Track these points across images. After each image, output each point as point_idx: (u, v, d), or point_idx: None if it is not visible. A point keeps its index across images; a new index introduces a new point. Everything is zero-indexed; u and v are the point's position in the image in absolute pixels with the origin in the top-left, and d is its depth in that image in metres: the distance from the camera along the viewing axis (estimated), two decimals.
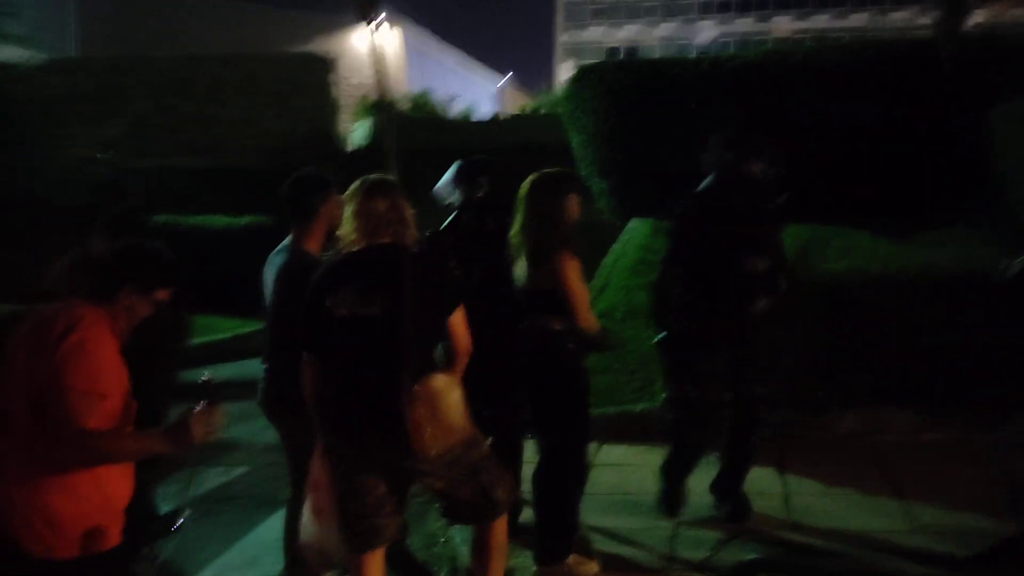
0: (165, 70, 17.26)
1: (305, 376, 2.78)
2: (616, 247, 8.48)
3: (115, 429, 2.27)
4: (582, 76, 9.82)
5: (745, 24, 57.05)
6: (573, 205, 3.43)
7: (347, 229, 2.76)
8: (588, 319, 3.38)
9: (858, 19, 52.04)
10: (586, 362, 3.50)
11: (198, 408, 2.30)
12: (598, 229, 9.33)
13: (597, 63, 10.19)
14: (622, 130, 9.11)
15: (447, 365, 2.79)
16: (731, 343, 3.79)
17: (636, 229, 8.84)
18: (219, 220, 12.49)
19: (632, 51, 53.77)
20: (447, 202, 3.87)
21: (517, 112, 24.29)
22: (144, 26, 24.98)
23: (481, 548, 2.90)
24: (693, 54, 11.53)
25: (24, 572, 2.24)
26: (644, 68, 9.54)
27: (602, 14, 59.09)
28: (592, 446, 4.86)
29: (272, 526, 4.06)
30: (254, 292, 3.42)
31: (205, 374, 2.40)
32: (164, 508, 3.68)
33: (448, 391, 2.64)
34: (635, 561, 3.59)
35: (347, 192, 2.85)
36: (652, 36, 57.86)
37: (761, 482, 4.08)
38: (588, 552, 3.57)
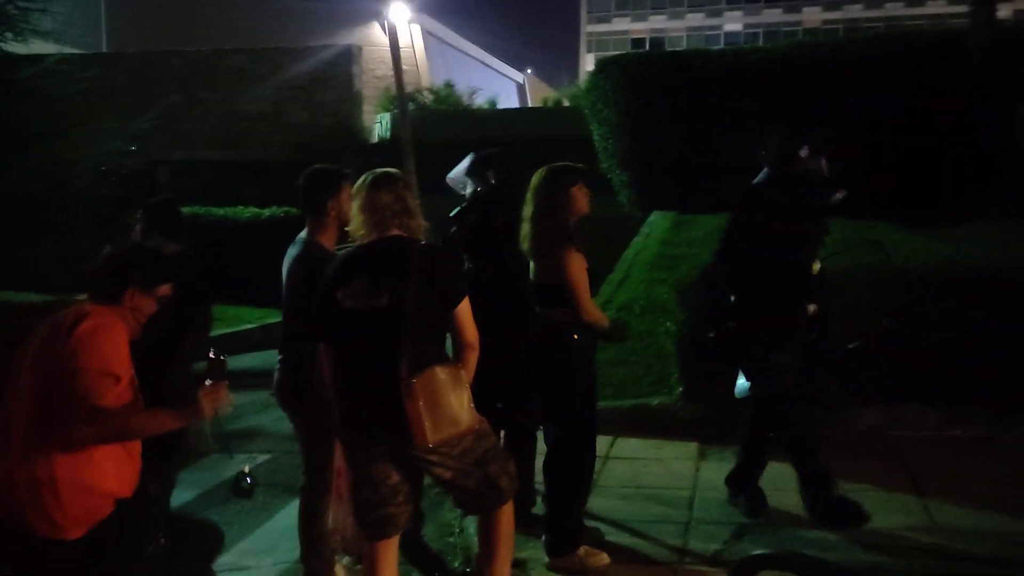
0: (193, 64, 17.47)
1: (323, 367, 2.86)
2: (637, 240, 8.45)
3: (129, 405, 2.38)
4: (603, 68, 9.80)
5: (774, 15, 56.23)
6: (579, 199, 3.45)
7: (355, 223, 2.83)
8: (591, 312, 3.40)
9: (893, 7, 50.99)
10: (603, 355, 3.50)
11: (207, 384, 2.46)
12: (618, 222, 9.31)
13: (619, 55, 10.17)
14: (643, 122, 9.09)
15: (456, 358, 2.82)
16: (783, 342, 3.70)
17: (657, 223, 8.80)
18: (245, 211, 12.65)
19: (658, 43, 53.30)
20: (463, 192, 3.90)
21: (539, 105, 24.23)
22: (171, 20, 25.28)
23: (487, 536, 2.93)
24: (720, 45, 11.46)
25: (30, 553, 2.32)
26: (666, 60, 9.49)
27: (627, 5, 58.60)
28: (607, 439, 4.89)
29: (290, 514, 4.12)
30: (280, 282, 3.48)
31: (213, 352, 2.53)
32: (185, 496, 3.75)
33: (449, 384, 2.65)
34: (647, 554, 3.59)
35: (354, 187, 2.91)
36: (678, 27, 57.27)
37: (778, 476, 4.06)
38: (600, 544, 3.59)
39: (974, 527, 3.70)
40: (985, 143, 6.88)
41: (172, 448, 3.71)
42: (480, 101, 21.84)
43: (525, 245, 3.47)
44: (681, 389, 5.15)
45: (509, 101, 31.78)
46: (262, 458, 5.47)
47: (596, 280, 3.66)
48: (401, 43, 15.48)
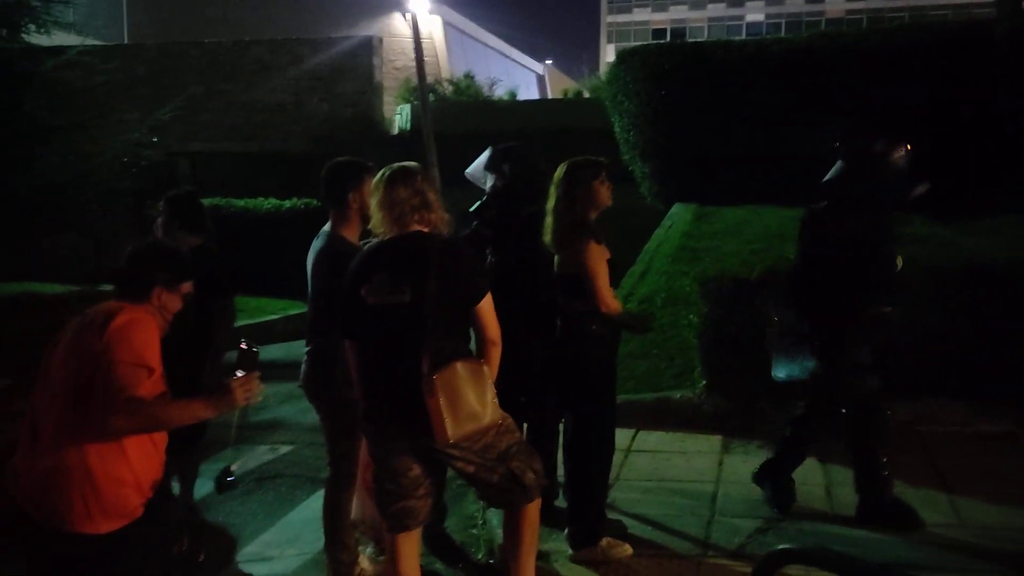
0: (213, 55, 17.55)
1: (350, 361, 2.88)
2: (659, 232, 8.41)
3: (162, 395, 2.43)
4: (624, 59, 9.73)
5: (796, 4, 55.58)
6: (601, 192, 3.47)
7: (375, 220, 2.82)
8: (609, 303, 3.41)
9: None
10: (625, 348, 3.50)
11: (238, 374, 2.50)
12: (639, 213, 9.26)
13: (639, 46, 10.10)
14: (664, 114, 9.02)
15: (478, 354, 2.81)
16: (868, 341, 3.65)
17: (678, 214, 8.75)
18: (265, 203, 12.70)
19: (679, 33, 52.90)
20: (483, 187, 3.89)
21: (559, 96, 24.13)
22: (191, 12, 25.41)
23: (512, 530, 2.93)
24: (742, 35, 11.37)
25: (53, 548, 2.35)
26: (687, 51, 9.41)
27: None
28: (629, 432, 4.88)
29: (314, 504, 4.16)
30: (301, 274, 3.50)
31: (244, 343, 2.57)
32: (208, 487, 3.78)
33: (470, 380, 2.65)
34: (670, 547, 3.58)
35: (372, 183, 2.90)
36: (699, 17, 56.76)
37: (803, 472, 4.02)
38: (623, 536, 3.58)
39: (1003, 524, 3.65)
40: (1011, 134, 6.75)
41: (195, 439, 3.75)
42: (500, 92, 21.77)
43: (547, 237, 3.50)
44: (704, 382, 5.12)
45: (529, 92, 31.68)
46: (284, 449, 5.51)
47: (616, 272, 3.66)
48: (422, 34, 15.46)
